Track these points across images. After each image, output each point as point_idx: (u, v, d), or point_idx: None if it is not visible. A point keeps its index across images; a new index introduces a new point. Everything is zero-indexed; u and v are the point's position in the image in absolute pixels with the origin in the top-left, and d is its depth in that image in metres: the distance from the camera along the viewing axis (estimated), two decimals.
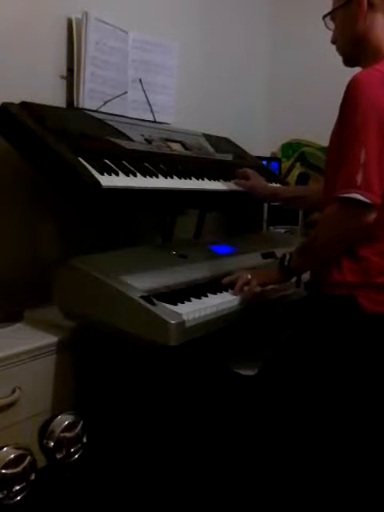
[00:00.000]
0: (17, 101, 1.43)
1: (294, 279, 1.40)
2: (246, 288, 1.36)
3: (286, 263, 1.32)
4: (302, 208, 2.21)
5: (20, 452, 1.25)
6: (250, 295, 1.36)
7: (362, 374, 1.23)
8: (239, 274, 1.39)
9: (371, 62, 1.23)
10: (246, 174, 1.72)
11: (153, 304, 1.20)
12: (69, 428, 1.35)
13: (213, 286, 1.41)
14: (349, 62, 1.34)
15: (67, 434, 1.35)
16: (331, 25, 1.37)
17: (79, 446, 1.38)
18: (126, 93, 1.78)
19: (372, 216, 1.14)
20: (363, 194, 1.11)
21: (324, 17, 1.37)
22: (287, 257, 1.32)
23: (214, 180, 1.64)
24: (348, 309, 1.22)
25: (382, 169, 1.13)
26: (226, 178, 1.70)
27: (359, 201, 1.11)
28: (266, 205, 2.30)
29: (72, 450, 1.37)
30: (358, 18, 1.26)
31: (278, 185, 1.80)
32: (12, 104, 1.41)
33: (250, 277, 1.36)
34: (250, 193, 1.69)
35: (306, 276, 1.39)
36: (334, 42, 1.37)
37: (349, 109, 1.16)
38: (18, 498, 1.24)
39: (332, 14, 1.35)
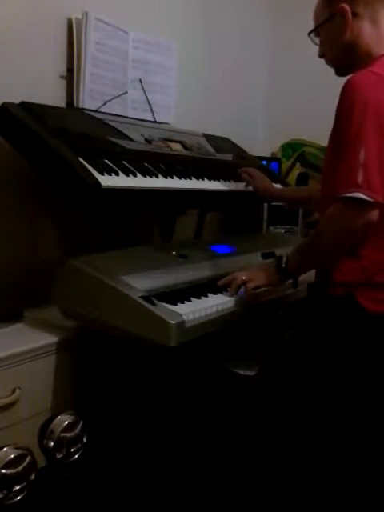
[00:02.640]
0: (17, 101, 1.43)
1: (290, 281, 1.37)
2: (241, 290, 1.34)
3: (283, 265, 1.30)
4: (305, 207, 2.23)
5: (20, 452, 1.25)
6: (248, 298, 1.34)
7: (363, 374, 1.22)
8: (234, 276, 1.37)
9: (363, 67, 1.23)
10: (250, 173, 1.73)
11: (153, 304, 1.20)
12: (69, 428, 1.35)
13: (213, 285, 1.40)
14: (341, 72, 1.35)
15: (67, 434, 1.35)
16: (316, 40, 1.38)
17: (79, 446, 1.38)
18: (126, 93, 1.78)
19: (375, 213, 1.14)
20: (365, 193, 1.12)
21: (309, 33, 1.38)
22: (284, 259, 1.30)
23: (214, 180, 1.64)
24: (349, 309, 1.21)
25: (382, 168, 1.14)
26: (226, 178, 1.70)
27: (362, 199, 1.12)
28: (265, 205, 2.30)
29: (72, 449, 1.36)
30: (345, 30, 1.27)
31: (281, 187, 1.80)
32: (12, 104, 1.41)
33: (244, 278, 1.34)
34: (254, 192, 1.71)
35: (306, 277, 1.38)
36: (321, 56, 1.38)
37: (345, 110, 1.17)
38: (18, 497, 1.23)
39: (317, 30, 1.36)
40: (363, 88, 1.15)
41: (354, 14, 1.26)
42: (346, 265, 1.23)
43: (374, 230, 1.21)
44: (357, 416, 1.24)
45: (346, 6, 1.25)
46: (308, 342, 1.28)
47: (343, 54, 1.30)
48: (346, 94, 1.17)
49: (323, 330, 1.26)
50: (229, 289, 1.36)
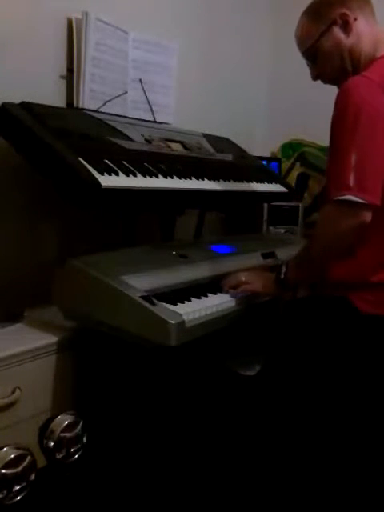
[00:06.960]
0: (17, 101, 1.43)
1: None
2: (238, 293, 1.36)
3: (281, 276, 1.29)
4: None
5: (20, 452, 1.25)
6: (235, 294, 1.35)
7: (358, 374, 1.23)
8: (236, 275, 1.39)
9: (364, 70, 1.24)
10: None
11: (153, 304, 1.20)
12: (69, 428, 1.35)
13: (213, 285, 1.41)
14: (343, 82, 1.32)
15: (67, 434, 1.35)
16: (307, 63, 1.36)
17: (79, 446, 1.38)
18: (126, 93, 1.78)
19: (368, 215, 1.14)
20: (357, 195, 1.12)
21: (303, 53, 1.35)
22: (283, 269, 1.29)
23: (214, 180, 1.64)
24: (343, 310, 1.22)
25: (377, 169, 1.14)
26: (225, 178, 1.70)
27: (353, 201, 1.12)
28: (265, 205, 2.30)
29: (72, 449, 1.37)
30: (348, 34, 1.26)
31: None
32: (12, 104, 1.41)
33: (244, 279, 1.36)
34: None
35: None
36: (317, 77, 1.36)
37: (339, 114, 1.18)
38: (18, 497, 1.24)
39: (311, 49, 1.32)
40: (356, 93, 1.16)
41: (354, 19, 1.26)
42: (341, 265, 1.23)
43: (366, 232, 1.21)
44: (352, 414, 1.24)
45: (346, 11, 1.25)
46: (305, 343, 1.28)
47: (348, 61, 1.28)
48: (339, 99, 1.18)
49: (319, 330, 1.26)
50: (225, 286, 1.38)
